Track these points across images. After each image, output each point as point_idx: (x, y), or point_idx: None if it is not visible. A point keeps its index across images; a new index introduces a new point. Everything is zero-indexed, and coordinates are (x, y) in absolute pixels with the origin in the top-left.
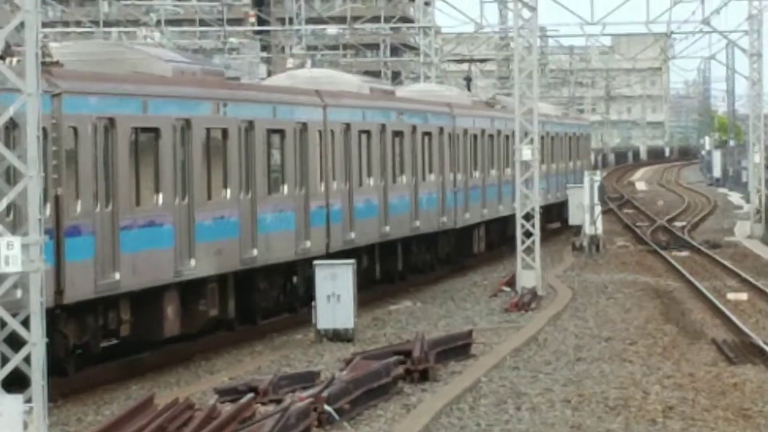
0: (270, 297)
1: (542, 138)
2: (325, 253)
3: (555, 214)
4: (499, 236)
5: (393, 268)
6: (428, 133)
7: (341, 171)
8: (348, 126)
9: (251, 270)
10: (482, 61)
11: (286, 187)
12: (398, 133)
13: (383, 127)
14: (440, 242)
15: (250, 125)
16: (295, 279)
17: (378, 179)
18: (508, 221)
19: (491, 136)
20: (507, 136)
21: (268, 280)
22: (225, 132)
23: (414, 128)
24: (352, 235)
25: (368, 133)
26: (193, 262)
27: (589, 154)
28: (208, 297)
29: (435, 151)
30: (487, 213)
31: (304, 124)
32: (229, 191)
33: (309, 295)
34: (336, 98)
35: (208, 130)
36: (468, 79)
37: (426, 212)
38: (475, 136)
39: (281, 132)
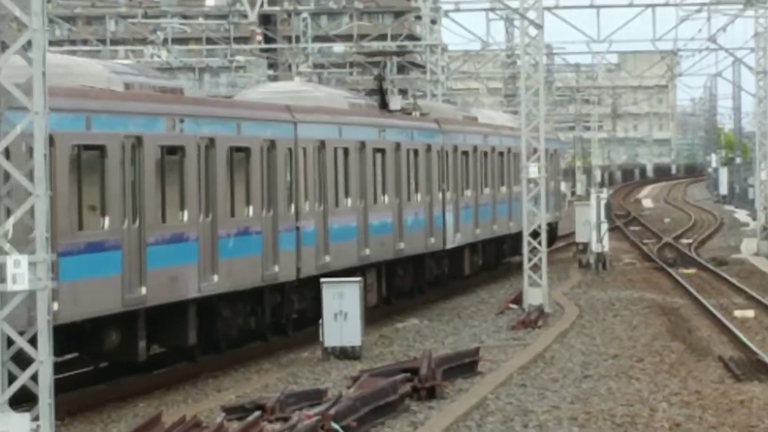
0: None
1: (501, 154)
2: None
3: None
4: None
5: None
6: (242, 149)
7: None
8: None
9: None
10: (398, 54)
11: None
12: (175, 150)
13: (138, 140)
14: (239, 308)
15: None
16: None
17: (123, 218)
18: (409, 264)
19: (381, 150)
20: (415, 151)
21: None
22: None
23: (211, 142)
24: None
25: (101, 149)
26: None
27: (558, 175)
28: None
29: (254, 175)
30: (373, 254)
31: None
32: None
33: None
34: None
35: None
36: (379, 78)
37: (238, 262)
38: (345, 151)
39: None
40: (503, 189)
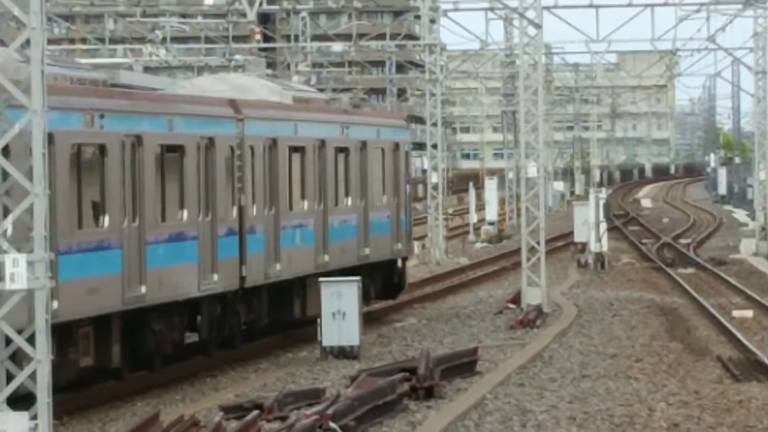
0: None
1: (289, 150)
2: None
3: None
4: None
5: None
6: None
7: None
8: None
9: None
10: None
11: None
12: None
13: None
14: None
15: None
16: None
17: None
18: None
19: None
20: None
21: None
22: None
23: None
24: None
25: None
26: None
27: (405, 182)
28: None
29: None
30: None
31: None
32: None
33: None
34: None
35: None
36: None
37: None
38: None
39: None
40: (318, 206)
